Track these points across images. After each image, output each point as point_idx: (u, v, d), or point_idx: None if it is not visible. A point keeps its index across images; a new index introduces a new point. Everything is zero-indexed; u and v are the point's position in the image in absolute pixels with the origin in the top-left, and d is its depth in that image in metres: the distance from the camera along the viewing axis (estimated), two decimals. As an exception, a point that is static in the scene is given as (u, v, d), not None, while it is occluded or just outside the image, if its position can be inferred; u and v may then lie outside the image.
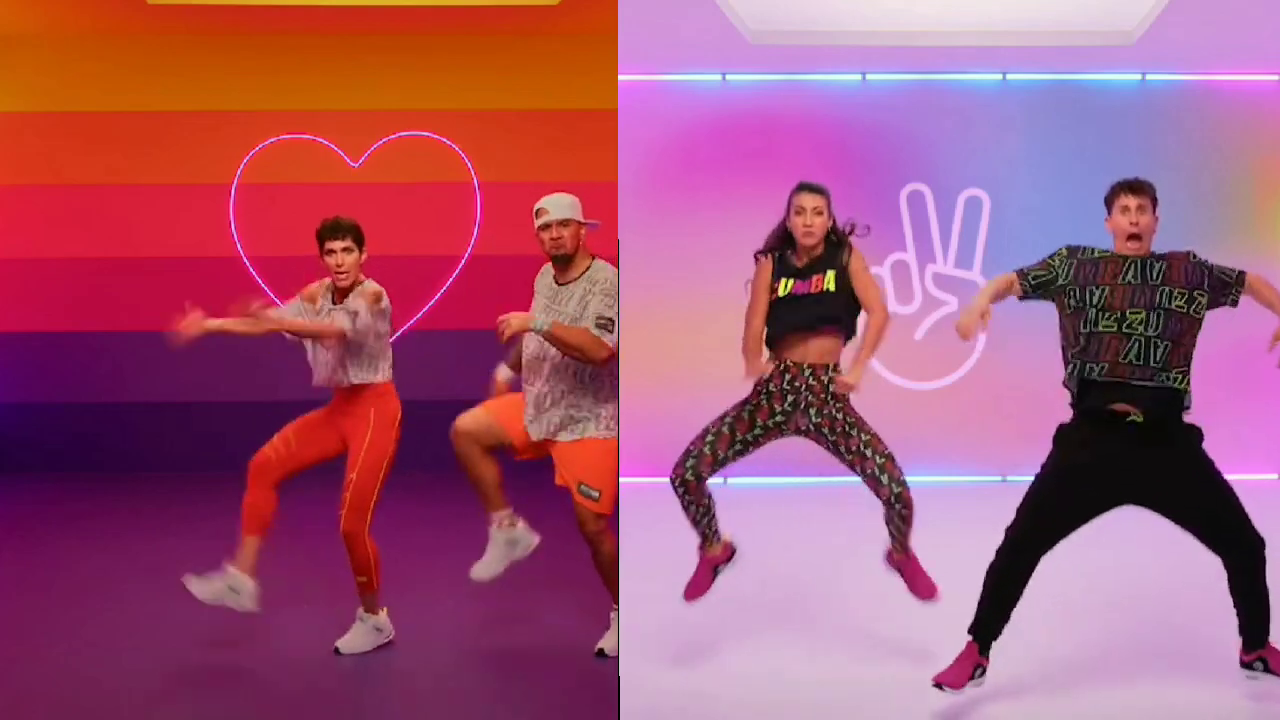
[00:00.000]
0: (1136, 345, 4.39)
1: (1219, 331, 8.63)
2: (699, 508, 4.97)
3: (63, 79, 9.53)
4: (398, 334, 9.65)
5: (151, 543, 7.31)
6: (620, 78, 8.44)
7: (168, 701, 4.94)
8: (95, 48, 9.50)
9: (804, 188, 4.93)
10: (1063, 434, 4.55)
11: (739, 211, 8.81)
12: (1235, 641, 4.72)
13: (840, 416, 4.81)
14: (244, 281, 9.30)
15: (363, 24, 9.26)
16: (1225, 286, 4.64)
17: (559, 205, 5.27)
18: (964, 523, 7.59)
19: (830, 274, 4.82)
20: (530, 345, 5.29)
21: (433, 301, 9.70)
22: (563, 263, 5.30)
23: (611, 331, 5.15)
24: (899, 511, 4.82)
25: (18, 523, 8.35)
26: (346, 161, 9.63)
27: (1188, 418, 4.58)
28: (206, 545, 7.24)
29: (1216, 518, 4.50)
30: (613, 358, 5.18)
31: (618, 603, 5.36)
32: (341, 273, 5.25)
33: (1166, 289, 4.45)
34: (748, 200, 8.83)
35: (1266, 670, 4.60)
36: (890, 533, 4.95)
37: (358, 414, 5.34)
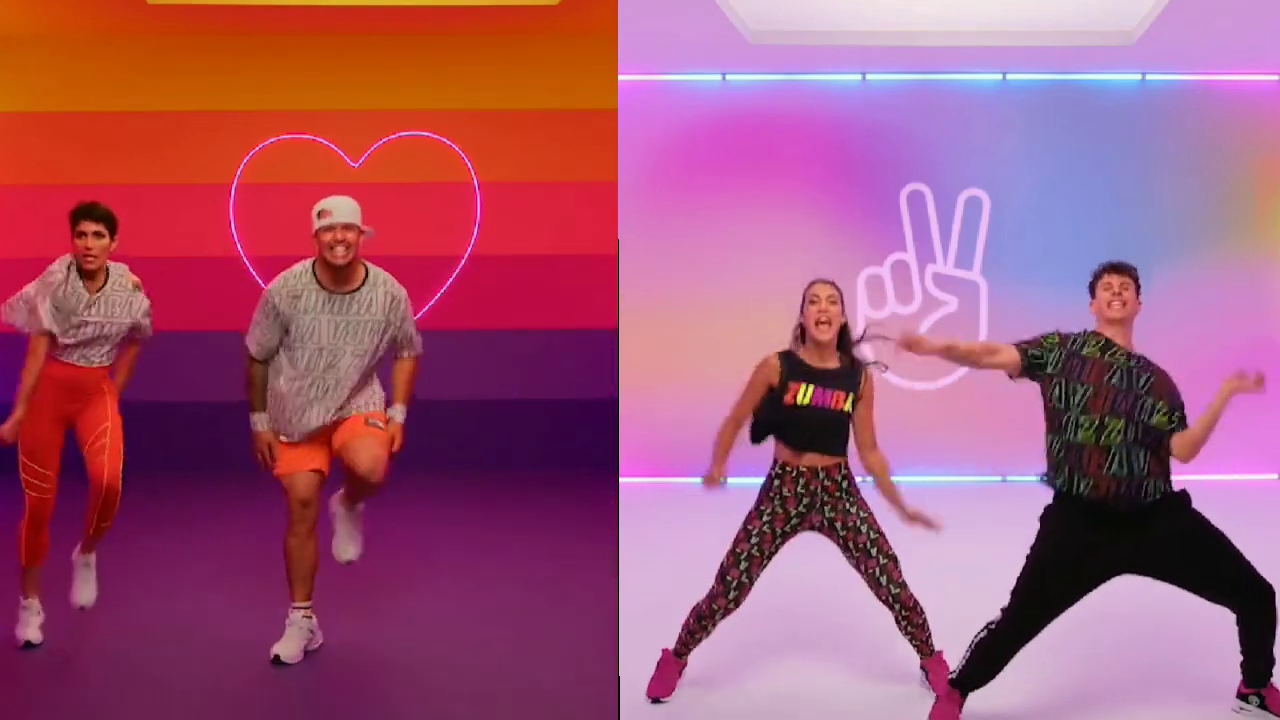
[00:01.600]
0: (1117, 457, 4.36)
1: (1219, 331, 8.71)
2: (708, 632, 4.93)
3: (63, 79, 9.52)
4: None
5: (151, 543, 7.31)
6: (620, 78, 8.44)
7: (168, 701, 4.94)
8: (95, 48, 9.49)
9: (818, 281, 4.85)
10: (1050, 515, 4.52)
11: (739, 211, 8.84)
12: (1227, 669, 4.69)
13: (854, 510, 4.82)
14: (244, 281, 9.30)
15: (363, 24, 9.25)
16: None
17: (345, 208, 5.12)
18: (964, 523, 7.61)
19: (850, 398, 4.79)
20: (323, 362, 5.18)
21: (433, 301, 9.70)
22: (340, 270, 5.11)
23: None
24: (902, 614, 4.81)
25: (16, 523, 8.34)
26: (346, 161, 9.62)
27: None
28: (206, 545, 7.27)
29: (1222, 577, 4.44)
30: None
31: (298, 601, 5.27)
32: (91, 256, 5.23)
33: (1149, 400, 4.39)
34: (748, 200, 8.86)
35: (1262, 707, 4.60)
36: (912, 641, 4.89)
37: (97, 388, 5.37)
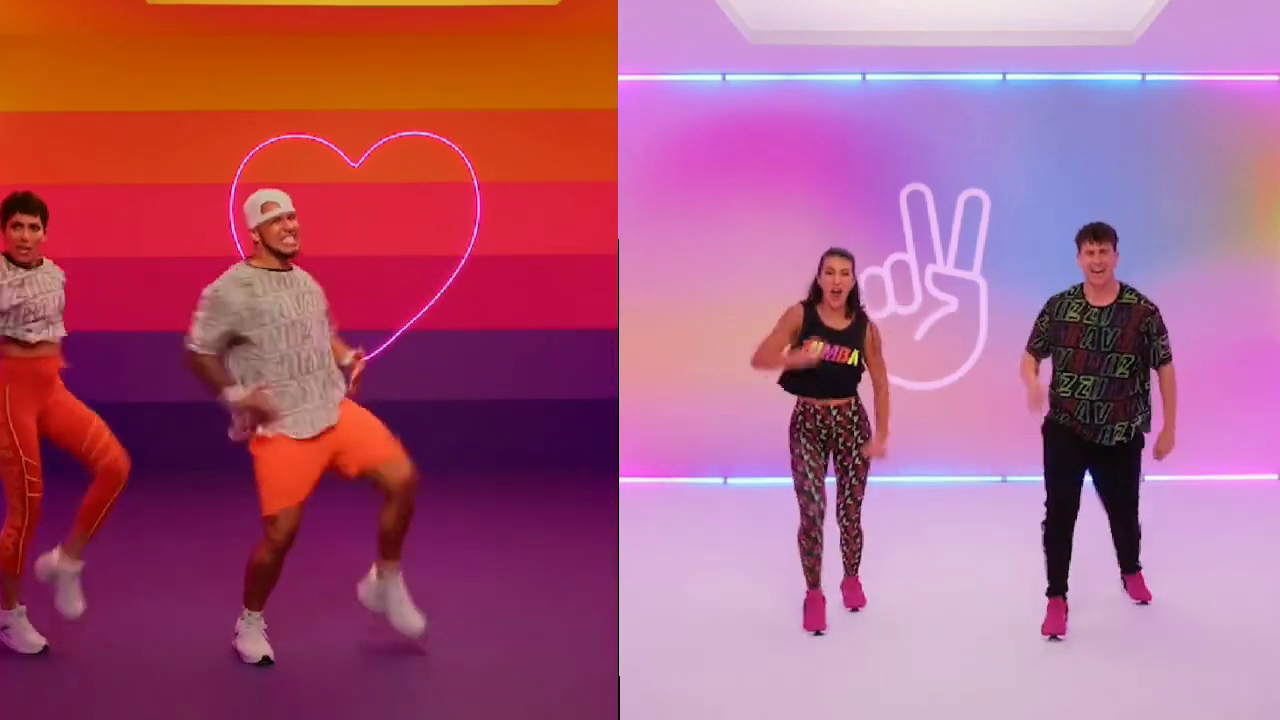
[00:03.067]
0: (1085, 408, 5.51)
1: (1219, 331, 8.71)
2: (817, 554, 5.68)
3: (63, 79, 9.52)
4: (397, 334, 9.74)
5: (151, 542, 7.31)
6: (620, 78, 8.44)
7: (168, 701, 4.94)
8: (95, 48, 9.49)
9: (833, 252, 5.70)
10: (1047, 433, 5.70)
11: (739, 211, 8.83)
12: None
13: (855, 451, 5.73)
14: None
15: (363, 24, 9.25)
16: (1148, 361, 5.60)
17: (287, 199, 5.27)
18: (964, 522, 7.64)
19: (856, 353, 5.65)
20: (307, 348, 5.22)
21: (433, 301, 9.70)
22: (285, 257, 5.25)
23: None
24: (849, 527, 5.84)
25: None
26: (346, 161, 9.62)
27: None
28: (206, 545, 7.27)
29: (1122, 505, 5.79)
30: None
31: (258, 608, 5.29)
32: (25, 248, 5.26)
33: (1115, 356, 5.48)
34: (747, 200, 8.85)
35: (1125, 589, 6.01)
36: (842, 558, 5.94)
37: (57, 379, 5.44)
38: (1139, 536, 5.95)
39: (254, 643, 5.25)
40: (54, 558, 5.50)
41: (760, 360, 5.67)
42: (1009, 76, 8.82)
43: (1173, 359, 5.64)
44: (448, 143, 9.66)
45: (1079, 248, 5.56)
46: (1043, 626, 5.49)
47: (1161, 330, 5.57)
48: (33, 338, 5.26)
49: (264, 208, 5.21)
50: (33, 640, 5.37)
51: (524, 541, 7.36)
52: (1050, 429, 5.66)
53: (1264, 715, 4.68)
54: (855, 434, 5.70)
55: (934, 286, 8.85)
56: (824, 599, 5.66)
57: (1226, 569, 6.50)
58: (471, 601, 6.11)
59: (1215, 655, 5.25)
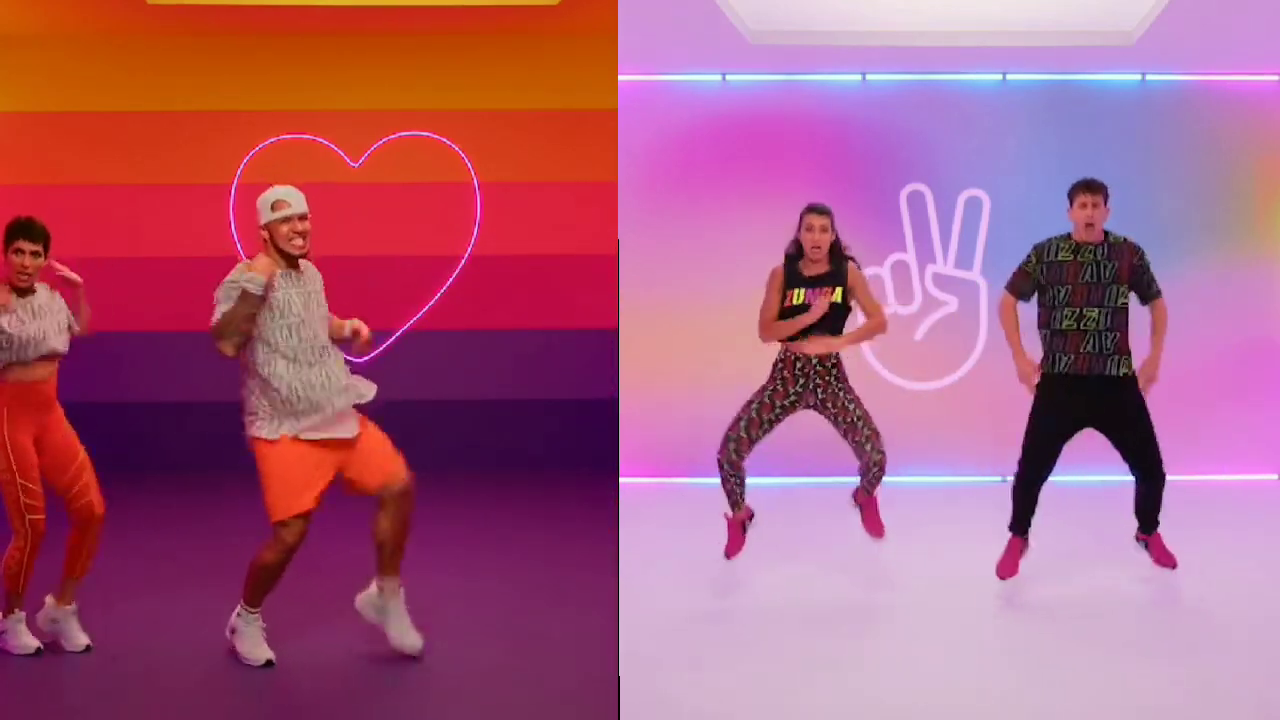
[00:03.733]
0: (1091, 339, 5.65)
1: (1219, 331, 8.71)
2: (736, 479, 5.98)
3: (63, 79, 9.52)
4: (397, 334, 9.73)
5: (151, 542, 7.31)
6: (620, 78, 8.44)
7: (168, 701, 4.94)
8: (95, 48, 9.49)
9: (812, 209, 5.94)
10: (1040, 387, 5.80)
11: (738, 211, 8.83)
12: None
13: (841, 395, 5.89)
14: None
15: (363, 24, 9.25)
16: (1141, 295, 5.83)
17: (302, 199, 5.18)
18: (964, 522, 7.64)
19: (839, 290, 5.85)
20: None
21: (433, 301, 9.70)
22: (296, 261, 5.21)
23: None
24: (875, 473, 5.91)
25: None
26: (346, 161, 9.62)
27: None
28: (206, 545, 7.27)
29: (1143, 454, 5.78)
30: None
31: (256, 605, 5.26)
32: (26, 274, 5.26)
33: (1115, 287, 5.69)
34: (747, 200, 8.85)
35: (1146, 549, 6.08)
36: (863, 483, 6.02)
37: (55, 404, 5.43)
38: (1163, 484, 5.88)
39: (254, 645, 5.24)
40: (49, 607, 5.45)
41: (768, 332, 5.91)
42: (1009, 76, 8.82)
43: (1162, 294, 5.87)
44: (448, 143, 9.66)
45: (1071, 201, 5.83)
46: (997, 566, 5.86)
47: (1149, 267, 5.83)
48: (30, 355, 5.25)
49: (274, 206, 5.14)
50: (26, 643, 5.36)
51: (524, 542, 7.37)
52: (1044, 382, 5.76)
53: (1264, 714, 4.68)
54: (834, 384, 5.86)
55: (934, 286, 8.85)
56: (741, 520, 6.09)
57: (1226, 569, 6.49)
58: (471, 601, 6.11)
59: (1215, 655, 5.25)
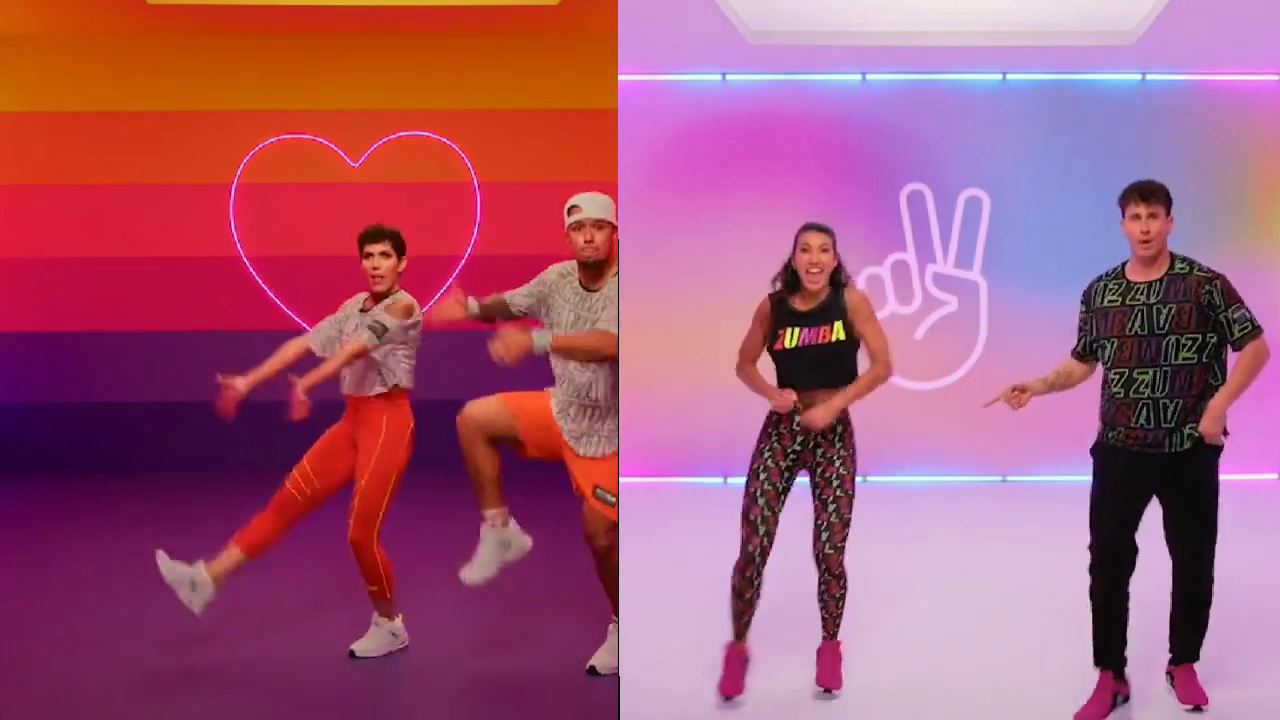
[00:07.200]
0: (1145, 410, 4.33)
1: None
2: (753, 593, 4.81)
3: (63, 79, 9.53)
4: (398, 334, 9.71)
5: (151, 543, 7.29)
6: (620, 78, 8.44)
7: (169, 701, 4.94)
8: (95, 48, 9.50)
9: (810, 227, 4.80)
10: (1096, 456, 4.55)
11: (739, 211, 8.82)
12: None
13: (838, 464, 4.80)
14: (244, 281, 9.30)
15: (363, 24, 9.26)
16: (1224, 339, 4.43)
17: (595, 204, 4.98)
18: (964, 523, 7.64)
19: (838, 324, 4.74)
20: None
21: (433, 301, 9.70)
22: (594, 268, 5.03)
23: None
24: (825, 577, 4.82)
25: (18, 523, 8.36)
26: (346, 161, 9.63)
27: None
28: (206, 545, 7.25)
29: (1190, 555, 4.50)
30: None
31: (618, 615, 5.21)
32: (378, 277, 5.24)
33: (1174, 339, 4.32)
34: (748, 200, 8.85)
35: (1170, 684, 4.64)
36: (821, 612, 4.90)
37: (371, 423, 5.31)
38: (1208, 604, 4.52)
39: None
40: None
41: (742, 375, 4.95)
42: (1009, 76, 8.82)
43: (1262, 332, 4.41)
44: (448, 143, 9.66)
45: (1123, 212, 4.54)
46: (1081, 712, 4.47)
47: (1230, 299, 4.35)
48: (344, 386, 5.37)
49: (569, 210, 5.03)
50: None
51: (524, 541, 7.35)
52: (1099, 452, 4.50)
53: (1264, 713, 4.68)
54: (837, 446, 4.78)
55: (934, 286, 8.85)
56: (747, 658, 4.80)
57: (1226, 569, 6.47)
58: (471, 602, 6.10)
59: (1215, 655, 5.24)
